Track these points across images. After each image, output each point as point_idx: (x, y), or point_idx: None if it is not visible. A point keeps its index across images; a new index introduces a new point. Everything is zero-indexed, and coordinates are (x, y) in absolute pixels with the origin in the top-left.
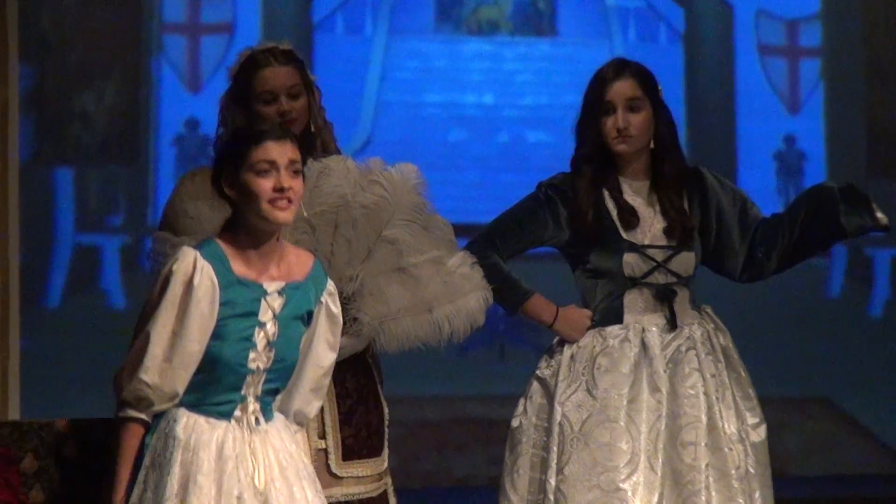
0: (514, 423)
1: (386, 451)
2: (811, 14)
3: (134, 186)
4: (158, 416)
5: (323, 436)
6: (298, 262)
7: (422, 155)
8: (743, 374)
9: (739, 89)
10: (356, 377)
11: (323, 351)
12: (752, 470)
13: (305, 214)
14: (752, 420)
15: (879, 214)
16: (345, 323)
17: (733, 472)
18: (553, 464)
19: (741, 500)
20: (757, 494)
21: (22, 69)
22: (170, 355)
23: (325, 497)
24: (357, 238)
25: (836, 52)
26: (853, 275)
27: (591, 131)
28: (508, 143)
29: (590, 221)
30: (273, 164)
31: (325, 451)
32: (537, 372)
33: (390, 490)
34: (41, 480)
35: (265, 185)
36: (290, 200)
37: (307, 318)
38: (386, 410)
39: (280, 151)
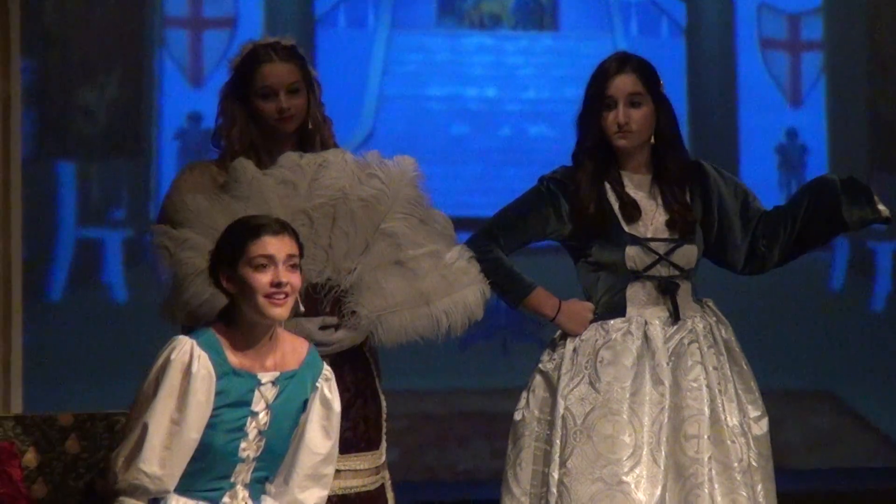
0: (517, 416)
1: (384, 444)
2: (813, 8)
3: (136, 180)
4: None
5: None
6: (293, 349)
7: (424, 148)
8: (745, 367)
9: (741, 83)
10: (354, 371)
11: (317, 437)
12: (754, 463)
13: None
14: (754, 413)
15: (881, 207)
16: (343, 316)
17: (736, 464)
18: (556, 457)
19: (744, 493)
20: (759, 487)
21: (24, 63)
22: (168, 444)
23: None
24: (355, 231)
25: (838, 46)
26: (855, 268)
27: (592, 126)
28: (511, 136)
29: (592, 215)
30: (271, 259)
31: None
32: (540, 365)
33: (388, 484)
34: (43, 474)
35: (262, 279)
36: (287, 295)
37: (303, 407)
38: (384, 404)
39: (278, 247)
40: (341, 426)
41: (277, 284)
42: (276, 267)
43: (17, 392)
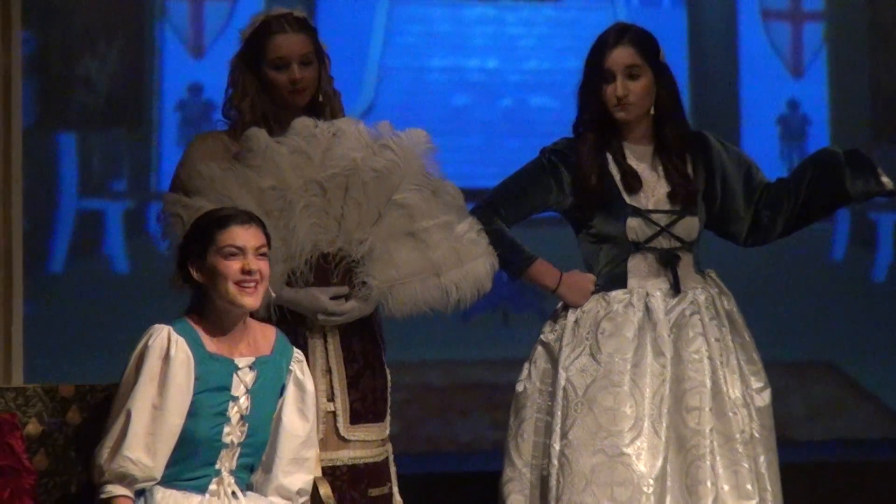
0: (519, 387)
1: (388, 417)
2: None
3: (137, 151)
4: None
5: (331, 398)
6: (263, 336)
7: (425, 120)
8: (747, 338)
9: (742, 53)
10: (362, 341)
11: (294, 420)
12: (756, 434)
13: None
14: (756, 384)
15: (884, 179)
16: (353, 286)
17: (738, 436)
18: (557, 428)
19: (745, 465)
20: (762, 459)
21: (24, 34)
22: (152, 430)
23: (333, 460)
24: (367, 201)
25: (840, 16)
26: (857, 239)
27: (591, 98)
28: (512, 107)
29: (593, 186)
30: (241, 249)
31: (334, 413)
32: (541, 337)
33: (391, 458)
34: (45, 445)
35: (233, 266)
36: (256, 283)
37: (280, 392)
38: (389, 376)
39: (246, 237)
40: (351, 397)
41: (248, 272)
42: (246, 255)
43: (19, 363)
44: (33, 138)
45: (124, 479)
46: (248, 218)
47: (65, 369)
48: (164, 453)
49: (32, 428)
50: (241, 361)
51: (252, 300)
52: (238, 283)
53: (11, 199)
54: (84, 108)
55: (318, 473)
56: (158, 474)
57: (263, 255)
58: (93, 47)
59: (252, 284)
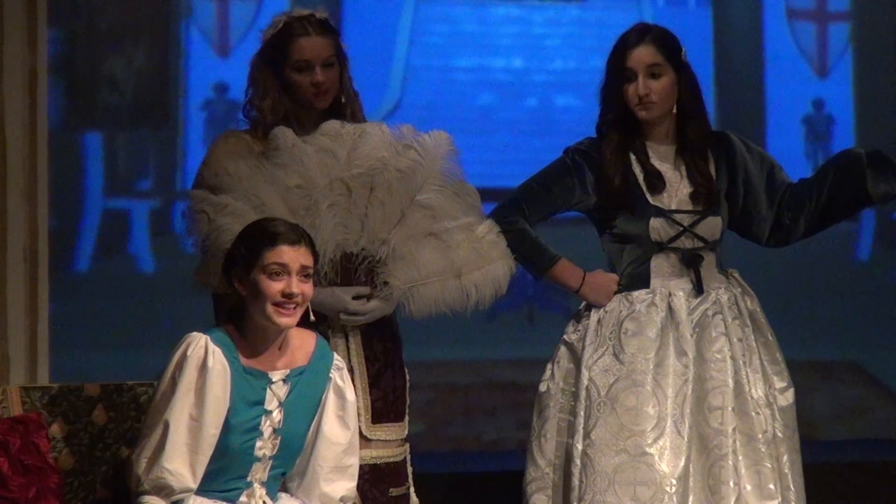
0: (542, 387)
1: (407, 417)
2: None
3: (163, 151)
4: None
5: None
6: (302, 344)
7: (450, 119)
8: (770, 338)
9: (768, 53)
10: (383, 341)
11: (335, 428)
12: (779, 434)
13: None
14: (779, 384)
15: None
16: (375, 286)
17: (760, 436)
18: (580, 428)
19: (768, 465)
20: (785, 458)
21: (51, 34)
22: (189, 441)
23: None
24: (391, 201)
25: (865, 17)
26: (882, 239)
27: (613, 98)
28: (537, 107)
29: (616, 186)
30: (285, 268)
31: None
32: (564, 336)
33: (408, 458)
34: (70, 445)
35: (275, 287)
36: (297, 306)
37: (318, 402)
38: (407, 376)
39: (293, 256)
40: (372, 396)
41: (289, 295)
42: (290, 277)
43: (44, 363)
44: (59, 138)
45: (162, 490)
46: (298, 237)
47: (90, 368)
48: (201, 465)
49: (58, 427)
50: (276, 375)
51: (289, 321)
52: (277, 305)
53: (37, 198)
54: (110, 107)
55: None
56: (195, 485)
57: (307, 276)
58: (119, 47)
59: (292, 307)
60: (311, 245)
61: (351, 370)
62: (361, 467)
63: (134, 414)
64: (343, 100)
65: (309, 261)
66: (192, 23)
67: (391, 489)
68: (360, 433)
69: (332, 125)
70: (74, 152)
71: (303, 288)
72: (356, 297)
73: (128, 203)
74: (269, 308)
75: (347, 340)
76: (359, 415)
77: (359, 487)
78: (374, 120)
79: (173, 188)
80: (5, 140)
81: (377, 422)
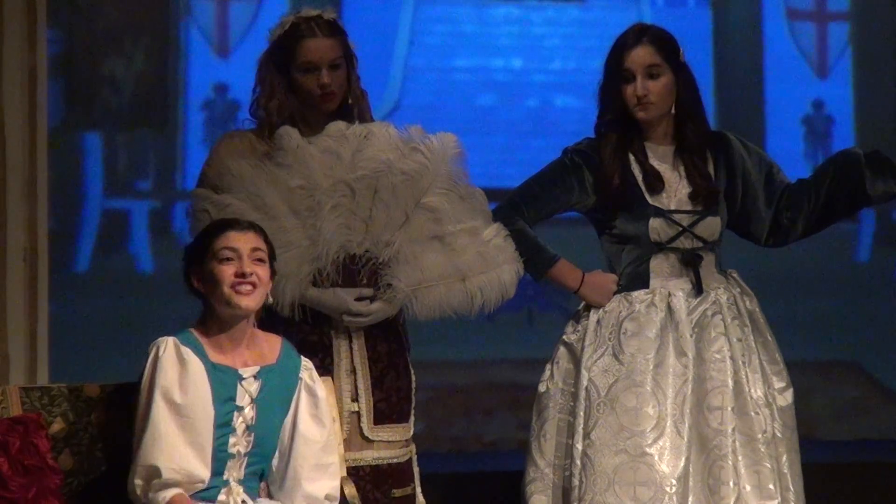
0: (541, 388)
1: (412, 418)
2: None
3: (162, 151)
4: None
5: (356, 398)
6: (268, 345)
7: (450, 119)
8: (769, 338)
9: (767, 53)
10: (387, 342)
11: (310, 426)
12: (778, 434)
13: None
14: (778, 384)
15: None
16: (378, 289)
17: (759, 436)
18: (580, 428)
19: (767, 465)
20: (784, 458)
21: (50, 34)
22: (181, 434)
23: (357, 460)
24: (396, 204)
25: (865, 17)
26: (882, 239)
27: (612, 99)
28: (537, 107)
29: (616, 186)
30: (235, 252)
31: (358, 413)
32: (564, 337)
33: (414, 458)
34: (70, 445)
35: (227, 270)
36: (254, 286)
37: (289, 401)
38: (413, 378)
39: (243, 240)
40: (375, 397)
41: (241, 275)
42: (241, 259)
43: (44, 363)
44: (59, 138)
45: (166, 487)
46: (247, 225)
47: (90, 369)
48: (206, 451)
49: (58, 427)
50: (246, 371)
51: (249, 301)
52: (233, 286)
53: (37, 198)
54: (110, 107)
55: (344, 474)
56: (205, 476)
57: (261, 259)
58: (118, 47)
59: (248, 287)
60: (263, 233)
61: (353, 371)
62: (363, 468)
63: (134, 414)
64: (350, 100)
65: (260, 244)
66: (192, 23)
67: (394, 490)
68: (362, 434)
69: (338, 126)
70: (74, 152)
71: (256, 268)
72: (359, 299)
73: (127, 203)
74: (227, 291)
75: (350, 342)
76: (361, 416)
77: (360, 489)
78: (387, 122)
79: (173, 188)
80: (5, 140)
81: (379, 423)
